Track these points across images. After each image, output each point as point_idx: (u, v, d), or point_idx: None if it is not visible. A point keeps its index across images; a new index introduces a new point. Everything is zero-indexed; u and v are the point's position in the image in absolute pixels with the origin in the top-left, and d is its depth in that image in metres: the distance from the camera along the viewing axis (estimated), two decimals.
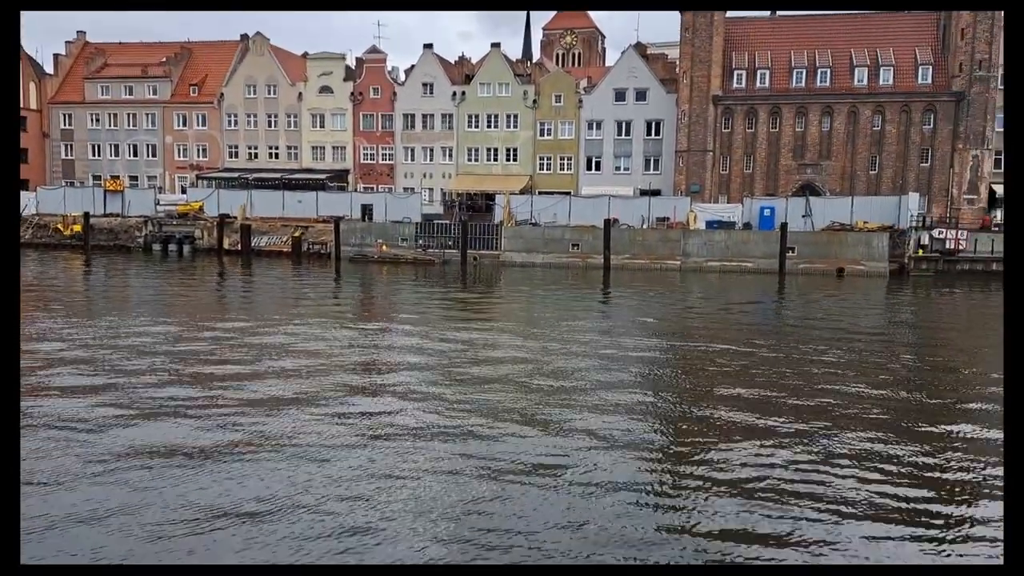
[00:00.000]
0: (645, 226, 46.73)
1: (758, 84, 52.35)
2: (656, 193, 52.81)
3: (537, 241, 46.11)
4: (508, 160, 58.63)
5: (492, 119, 58.83)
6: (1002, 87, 47.56)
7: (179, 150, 64.97)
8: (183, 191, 59.21)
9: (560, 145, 57.60)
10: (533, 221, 48.04)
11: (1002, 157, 48.43)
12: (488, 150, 59.18)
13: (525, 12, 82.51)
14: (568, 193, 53.41)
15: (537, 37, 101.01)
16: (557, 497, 9.87)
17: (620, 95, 55.99)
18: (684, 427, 13.67)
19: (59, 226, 51.84)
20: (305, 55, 64.44)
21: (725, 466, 11.42)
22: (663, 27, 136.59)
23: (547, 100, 57.76)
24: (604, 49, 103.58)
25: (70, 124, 67.01)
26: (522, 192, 53.43)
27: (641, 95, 55.55)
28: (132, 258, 46.52)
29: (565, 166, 57.73)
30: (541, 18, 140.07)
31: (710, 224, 45.50)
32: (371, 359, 18.65)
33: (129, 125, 65.75)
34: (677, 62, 54.64)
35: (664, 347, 21.44)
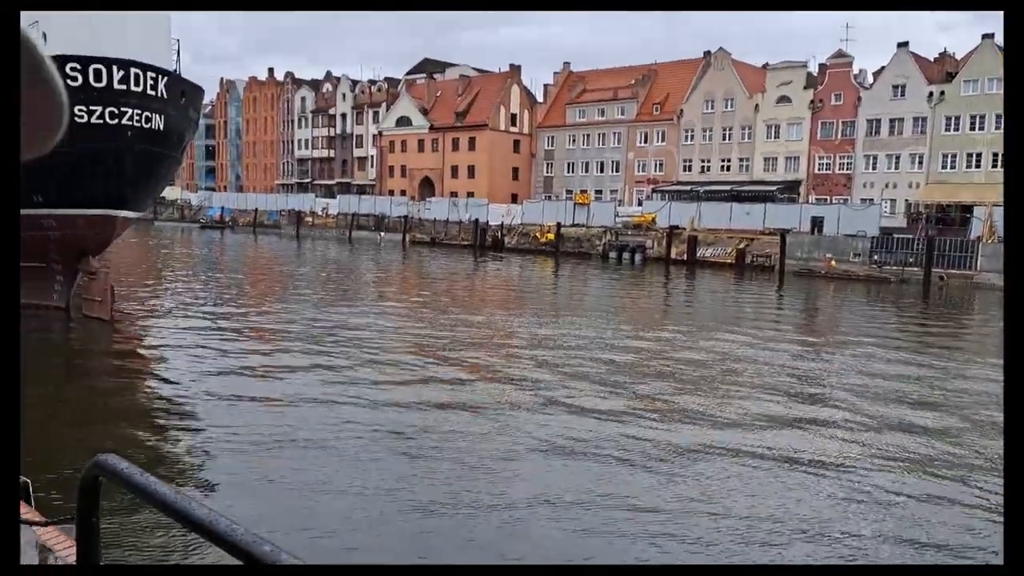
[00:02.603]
0: None
1: None
2: None
3: None
4: (994, 167, 50.34)
5: (977, 120, 51.17)
6: None
7: (639, 165, 70.06)
8: (639, 203, 63.72)
9: None
10: None
11: None
12: (969, 155, 51.63)
13: None
14: None
15: None
16: None
17: None
18: None
19: (537, 234, 60.05)
20: (765, 66, 63.99)
21: None
22: None
23: None
24: None
25: (552, 145, 77.12)
26: None
27: None
28: (591, 264, 51.66)
29: None
30: None
31: None
32: (807, 383, 17.90)
33: (598, 144, 73.07)
34: None
35: None
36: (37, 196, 19.02)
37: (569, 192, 71.74)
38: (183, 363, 17.06)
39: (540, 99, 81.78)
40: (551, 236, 58.39)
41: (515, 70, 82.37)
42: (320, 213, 79.89)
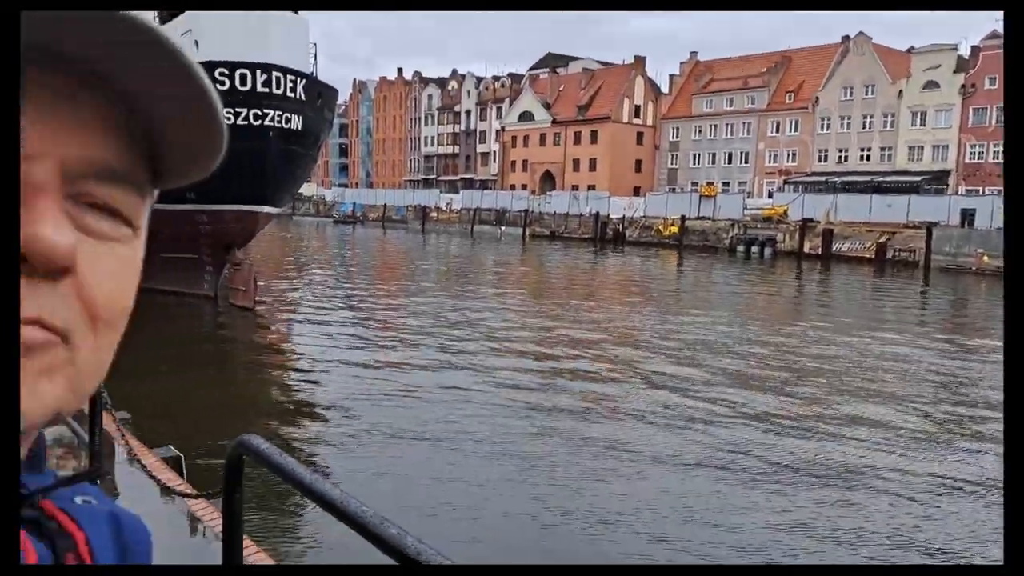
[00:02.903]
0: None
1: None
2: None
3: None
4: None
5: None
6: None
7: (770, 156, 67.37)
8: (769, 196, 61.25)
9: None
10: None
11: None
12: None
13: None
14: None
15: None
16: None
17: None
18: None
19: (659, 227, 58.95)
20: (910, 50, 59.95)
21: None
22: None
23: None
24: None
25: (677, 136, 75.47)
26: None
27: None
28: (718, 258, 50.15)
29: None
30: None
31: None
32: (958, 389, 16.57)
33: (726, 135, 70.82)
34: None
35: None
36: (190, 193, 20.45)
37: (694, 184, 69.92)
38: (319, 351, 17.89)
39: (665, 90, 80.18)
40: (675, 229, 57.13)
41: (639, 61, 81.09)
42: (444, 208, 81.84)
